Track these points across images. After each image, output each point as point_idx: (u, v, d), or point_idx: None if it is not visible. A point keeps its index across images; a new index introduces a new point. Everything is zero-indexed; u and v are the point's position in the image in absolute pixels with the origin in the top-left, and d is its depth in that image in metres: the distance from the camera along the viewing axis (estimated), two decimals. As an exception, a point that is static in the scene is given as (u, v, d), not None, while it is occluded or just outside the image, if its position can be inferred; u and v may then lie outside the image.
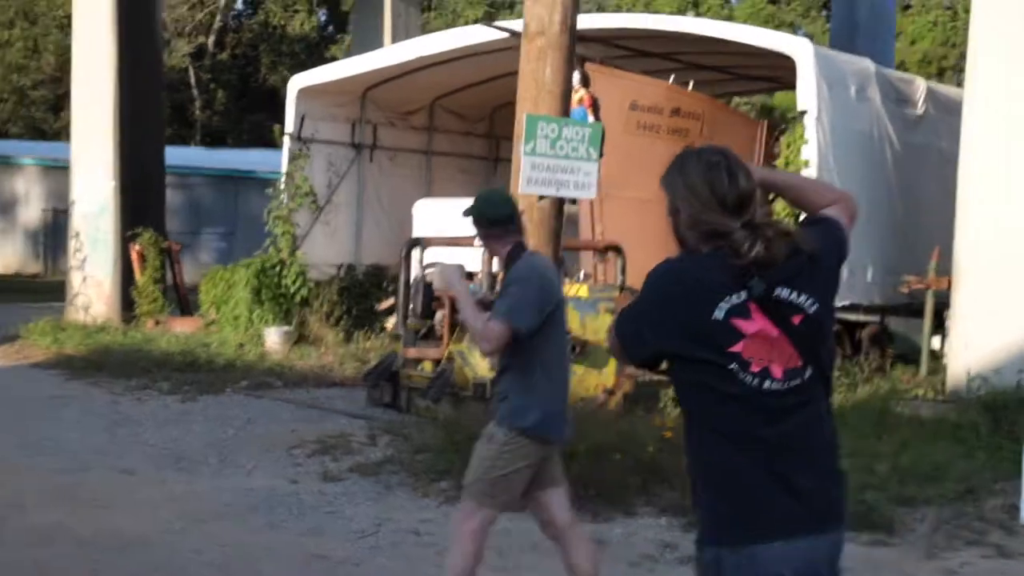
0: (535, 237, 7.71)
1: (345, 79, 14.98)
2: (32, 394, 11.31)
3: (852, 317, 11.99)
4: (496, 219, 4.85)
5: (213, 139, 40.74)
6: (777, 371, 2.81)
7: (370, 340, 14.15)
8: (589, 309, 10.37)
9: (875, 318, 12.69)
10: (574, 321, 10.24)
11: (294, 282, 14.27)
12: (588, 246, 12.04)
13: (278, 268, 14.33)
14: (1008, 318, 9.97)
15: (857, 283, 11.30)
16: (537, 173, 7.68)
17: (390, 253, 16.02)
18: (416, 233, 14.64)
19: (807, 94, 10.88)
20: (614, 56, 13.75)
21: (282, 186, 14.71)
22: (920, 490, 7.54)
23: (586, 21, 13.85)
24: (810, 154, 10.80)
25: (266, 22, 44.10)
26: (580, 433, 7.59)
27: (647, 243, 10.18)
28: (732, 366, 2.80)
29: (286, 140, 14.84)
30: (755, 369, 2.80)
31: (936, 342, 12.17)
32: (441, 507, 7.36)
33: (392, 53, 15.34)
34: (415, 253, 11.35)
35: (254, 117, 40.47)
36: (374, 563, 6.36)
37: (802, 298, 2.84)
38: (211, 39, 42.87)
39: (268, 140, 32.60)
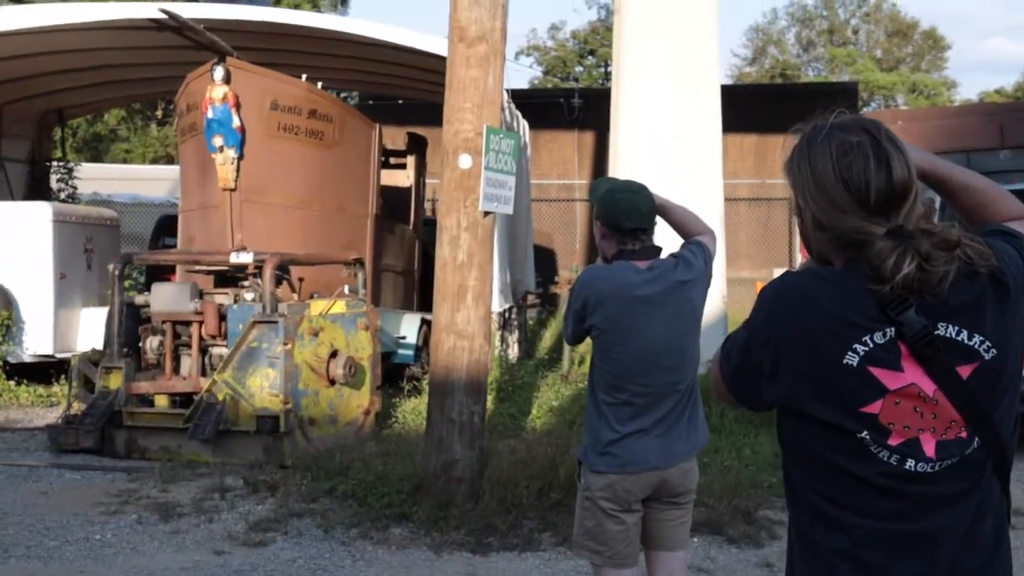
0: (480, 255, 7.31)
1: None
2: None
3: None
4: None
5: None
6: (928, 445, 2.03)
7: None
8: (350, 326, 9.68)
9: None
10: (340, 339, 9.54)
11: None
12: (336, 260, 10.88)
13: None
14: None
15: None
16: (491, 189, 7.26)
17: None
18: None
19: None
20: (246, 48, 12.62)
21: None
22: None
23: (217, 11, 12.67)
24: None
25: None
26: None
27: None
28: (863, 435, 2.04)
29: None
30: (895, 441, 2.04)
31: None
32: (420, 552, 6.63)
33: None
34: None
35: None
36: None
37: (975, 339, 2.04)
38: None
39: None
